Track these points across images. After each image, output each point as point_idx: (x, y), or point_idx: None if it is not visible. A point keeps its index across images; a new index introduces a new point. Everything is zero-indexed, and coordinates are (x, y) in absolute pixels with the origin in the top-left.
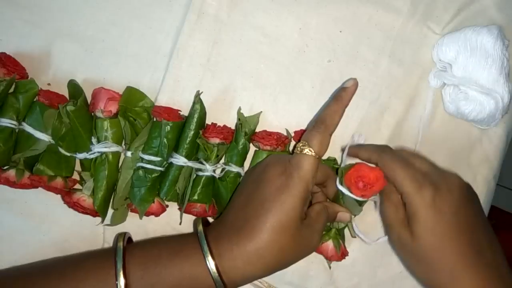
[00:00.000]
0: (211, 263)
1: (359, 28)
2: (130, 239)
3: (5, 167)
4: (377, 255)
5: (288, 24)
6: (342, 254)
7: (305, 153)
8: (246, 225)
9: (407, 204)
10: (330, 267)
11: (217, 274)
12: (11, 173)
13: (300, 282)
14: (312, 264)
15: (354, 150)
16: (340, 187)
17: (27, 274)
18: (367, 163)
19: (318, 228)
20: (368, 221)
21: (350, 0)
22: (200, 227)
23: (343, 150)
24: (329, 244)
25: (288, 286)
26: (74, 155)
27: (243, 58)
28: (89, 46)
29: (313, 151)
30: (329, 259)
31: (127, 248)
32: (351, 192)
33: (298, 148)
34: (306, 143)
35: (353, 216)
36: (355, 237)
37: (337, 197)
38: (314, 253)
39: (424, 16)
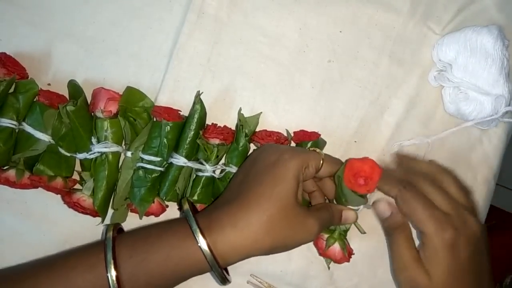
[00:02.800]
0: (199, 236)
1: (359, 28)
2: (121, 229)
3: (5, 167)
4: (377, 255)
5: (288, 24)
6: (349, 254)
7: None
8: (238, 197)
9: (425, 244)
10: (329, 268)
11: (206, 246)
12: (11, 173)
13: (300, 282)
14: (312, 264)
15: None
16: (346, 192)
17: (19, 270)
18: (355, 158)
19: (319, 217)
20: (368, 222)
21: (350, 0)
22: (186, 206)
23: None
24: (336, 247)
25: (288, 286)
26: (74, 155)
27: (243, 58)
28: (89, 46)
29: (321, 153)
30: (338, 262)
31: (117, 236)
32: (356, 193)
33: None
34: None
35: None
36: (365, 233)
37: (339, 199)
38: (313, 254)
39: (424, 16)
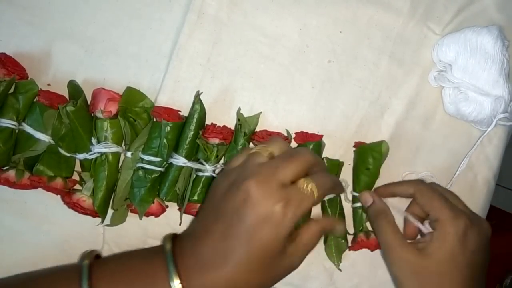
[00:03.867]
0: (174, 282)
1: (359, 28)
2: (98, 256)
3: (5, 168)
4: (377, 256)
5: (288, 25)
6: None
7: (309, 193)
8: (218, 255)
9: (437, 229)
10: (340, 270)
11: None
12: (11, 173)
13: (300, 282)
14: (312, 264)
15: (386, 190)
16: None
17: None
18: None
19: (305, 252)
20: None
21: (350, 0)
22: (169, 245)
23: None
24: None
25: (288, 286)
26: (74, 155)
27: (243, 58)
28: (89, 47)
29: (315, 194)
30: (374, 249)
31: (95, 263)
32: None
33: (304, 184)
34: (311, 182)
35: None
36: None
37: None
38: (314, 254)
39: (424, 16)
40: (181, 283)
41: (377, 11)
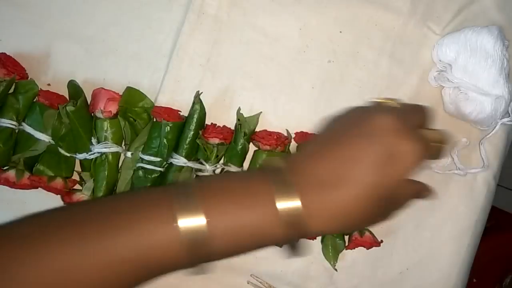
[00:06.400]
0: (293, 200)
1: (359, 28)
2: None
3: (5, 168)
4: (377, 256)
5: (288, 25)
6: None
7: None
8: (333, 178)
9: None
10: (336, 270)
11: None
12: (11, 173)
13: (300, 282)
14: (312, 264)
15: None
16: None
17: (70, 217)
18: None
19: (398, 206)
20: None
21: (350, 0)
22: (282, 164)
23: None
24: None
25: (288, 286)
26: (74, 155)
27: (243, 58)
28: (89, 46)
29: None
30: (370, 245)
31: (195, 187)
32: None
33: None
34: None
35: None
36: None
37: None
38: (313, 254)
39: (424, 16)
40: (299, 199)
41: (377, 11)
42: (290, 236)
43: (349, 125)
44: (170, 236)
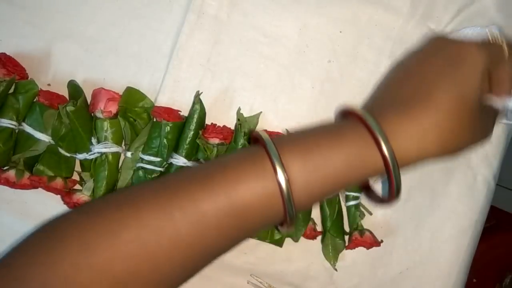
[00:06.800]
0: (384, 144)
1: (359, 28)
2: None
3: (5, 168)
4: (377, 256)
5: (288, 24)
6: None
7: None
8: (419, 94)
9: None
10: (336, 270)
11: (390, 153)
12: (11, 173)
13: (300, 282)
14: (312, 264)
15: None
16: None
17: (160, 185)
18: None
19: (494, 115)
20: (369, 222)
21: (350, 0)
22: (368, 116)
23: None
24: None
25: (288, 286)
26: (74, 155)
27: (243, 58)
28: (89, 46)
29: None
30: (370, 245)
31: (274, 141)
32: None
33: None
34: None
35: None
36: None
37: None
38: (314, 254)
39: (424, 16)
40: (390, 145)
41: (377, 11)
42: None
43: (431, 54)
44: (268, 189)
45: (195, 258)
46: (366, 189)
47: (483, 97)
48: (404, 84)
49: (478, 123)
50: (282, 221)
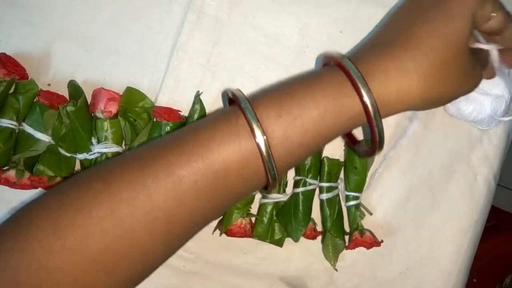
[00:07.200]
0: (360, 84)
1: (359, 28)
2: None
3: (5, 168)
4: (378, 256)
5: (289, 25)
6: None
7: None
8: (400, 36)
9: None
10: (336, 270)
11: (369, 98)
12: (11, 173)
13: (300, 282)
14: (312, 264)
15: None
16: None
17: (143, 151)
18: None
19: (482, 62)
20: (369, 221)
21: (350, 0)
22: (345, 59)
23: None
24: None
25: (288, 287)
26: (74, 155)
27: (243, 58)
28: (89, 47)
29: None
30: (370, 245)
31: (249, 98)
32: None
33: None
34: None
35: None
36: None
37: None
38: (314, 254)
39: None
40: (368, 87)
41: (377, 11)
42: (365, 121)
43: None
44: (244, 147)
45: (177, 228)
46: (353, 142)
47: (471, 40)
48: (389, 29)
49: (465, 69)
50: (266, 184)
